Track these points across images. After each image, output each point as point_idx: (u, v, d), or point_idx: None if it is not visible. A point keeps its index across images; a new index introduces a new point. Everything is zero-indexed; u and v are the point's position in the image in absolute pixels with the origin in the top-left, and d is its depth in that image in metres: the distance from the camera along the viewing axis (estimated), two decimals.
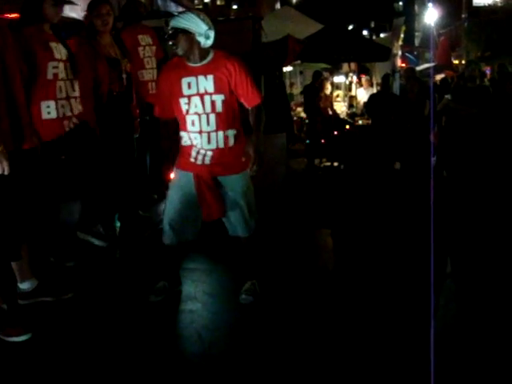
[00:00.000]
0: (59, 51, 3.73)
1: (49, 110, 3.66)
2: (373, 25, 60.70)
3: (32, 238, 3.22)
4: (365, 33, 42.03)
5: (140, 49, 5.11)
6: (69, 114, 3.78)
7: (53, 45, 3.68)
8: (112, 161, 4.21)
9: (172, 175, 3.61)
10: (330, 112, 10.48)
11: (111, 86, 4.37)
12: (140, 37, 5.15)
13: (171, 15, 8.85)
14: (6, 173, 2.75)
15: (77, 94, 3.85)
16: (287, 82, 13.24)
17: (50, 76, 3.65)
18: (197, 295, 3.73)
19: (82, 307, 3.41)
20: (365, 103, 11.08)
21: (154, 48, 5.29)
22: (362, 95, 12.23)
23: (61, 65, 3.72)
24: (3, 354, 2.86)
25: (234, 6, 61.17)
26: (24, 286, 3.31)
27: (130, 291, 3.71)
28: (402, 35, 13.21)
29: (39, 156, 3.17)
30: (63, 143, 3.72)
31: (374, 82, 12.91)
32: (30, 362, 2.81)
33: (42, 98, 3.63)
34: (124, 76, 4.49)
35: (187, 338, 3.17)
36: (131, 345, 3.01)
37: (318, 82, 10.04)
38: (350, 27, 38.66)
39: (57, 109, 3.70)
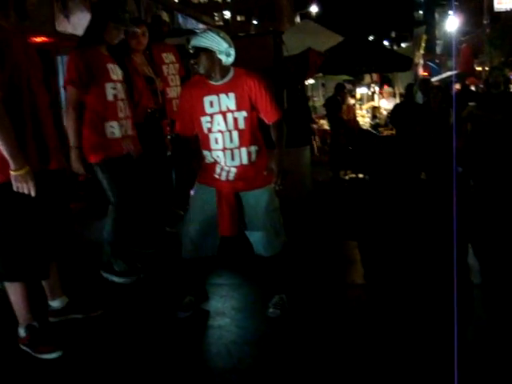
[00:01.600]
0: (116, 72, 3.86)
1: (112, 129, 3.82)
2: (393, 35, 60.66)
3: (61, 256, 3.25)
4: (386, 43, 42.02)
5: (164, 67, 5.19)
6: (129, 133, 3.95)
7: (110, 66, 3.82)
8: (147, 179, 4.30)
9: (193, 190, 3.63)
10: (355, 123, 10.46)
11: (147, 104, 4.51)
12: (164, 55, 5.24)
13: (192, 33, 9.06)
14: (32, 194, 2.81)
15: (130, 114, 4.02)
16: (309, 95, 13.25)
17: (110, 97, 3.79)
18: (225, 310, 3.73)
19: (112, 324, 3.43)
20: (388, 114, 11.04)
21: (177, 66, 5.37)
22: (385, 106, 12.19)
23: (118, 85, 3.86)
24: (35, 371, 2.89)
25: (254, 22, 61.76)
26: (54, 303, 3.35)
27: (159, 307, 3.73)
28: (423, 44, 13.14)
29: (67, 176, 3.23)
30: (123, 162, 3.89)
31: (397, 92, 12.86)
32: (61, 380, 2.83)
33: (105, 119, 3.78)
34: (159, 93, 4.63)
35: (216, 353, 3.16)
36: (161, 361, 3.02)
37: (340, 93, 10.04)
38: (371, 38, 38.72)
39: (120, 127, 3.86)
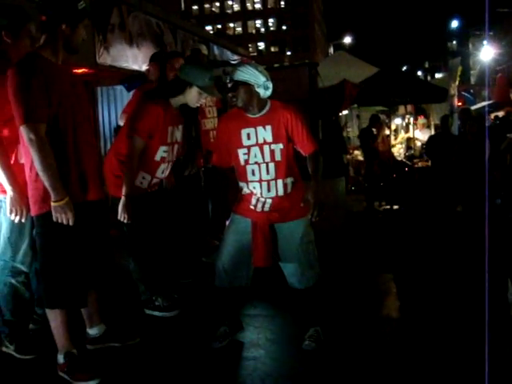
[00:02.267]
0: (175, 136, 3.91)
1: (142, 180, 3.88)
2: (427, 65, 60.52)
3: (100, 284, 3.29)
4: (419, 73, 41.91)
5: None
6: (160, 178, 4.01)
7: (170, 129, 3.84)
8: (182, 210, 4.34)
9: (229, 220, 3.65)
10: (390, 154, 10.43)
11: None
12: None
13: (228, 64, 9.18)
14: (71, 224, 2.87)
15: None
16: (343, 125, 13.27)
17: (157, 158, 3.85)
18: (260, 342, 3.71)
19: (148, 353, 3.45)
20: (422, 145, 10.98)
21: (214, 98, 5.45)
22: (419, 137, 12.12)
23: (170, 149, 3.90)
24: None
25: (288, 52, 62.51)
26: (92, 331, 3.39)
27: (195, 338, 3.73)
28: (458, 75, 13.07)
29: (107, 206, 3.28)
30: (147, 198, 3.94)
31: (432, 124, 12.78)
32: None
33: (142, 170, 3.83)
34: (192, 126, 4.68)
35: None
36: None
37: (375, 125, 10.05)
38: (404, 68, 38.70)
39: (150, 182, 3.92)
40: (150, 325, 3.92)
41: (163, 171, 3.95)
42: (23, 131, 2.78)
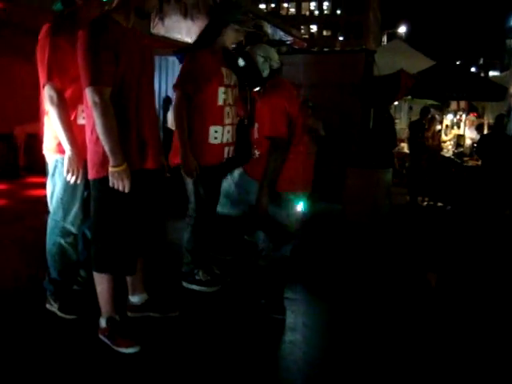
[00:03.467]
0: (229, 77, 3.90)
1: (216, 135, 3.86)
2: (481, 61, 58.83)
3: (149, 253, 3.31)
4: (473, 69, 40.79)
5: None
6: (231, 140, 3.99)
7: (224, 70, 3.85)
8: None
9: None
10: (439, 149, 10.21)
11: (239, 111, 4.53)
12: None
13: (283, 44, 9.06)
14: (126, 191, 2.87)
15: (236, 121, 4.05)
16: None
17: (220, 102, 3.84)
18: (296, 326, 3.70)
19: (187, 326, 3.46)
20: (473, 143, 10.69)
21: None
22: (468, 135, 11.83)
23: (229, 90, 3.90)
24: (110, 363, 2.95)
25: (340, 38, 61.63)
26: (134, 299, 3.42)
27: (235, 315, 3.74)
28: None
29: (163, 176, 3.28)
30: (222, 169, 3.94)
31: (485, 122, 12.43)
32: (132, 375, 2.88)
33: (211, 124, 3.82)
34: (248, 100, 4.63)
35: (285, 369, 3.14)
36: (230, 371, 3.01)
37: (425, 118, 9.81)
38: (458, 62, 37.71)
39: (223, 134, 3.89)
40: (190, 299, 3.92)
41: (231, 117, 3.93)
42: (88, 93, 2.78)
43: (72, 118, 3.18)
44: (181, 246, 4.17)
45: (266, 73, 3.59)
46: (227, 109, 3.90)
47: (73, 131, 3.15)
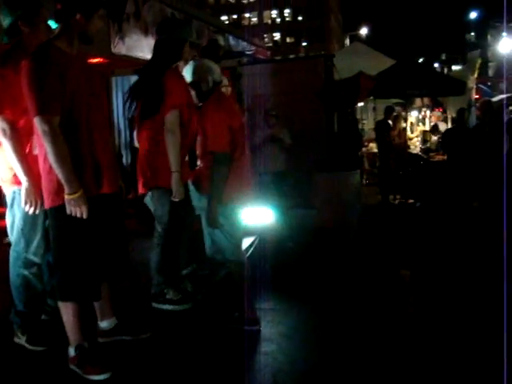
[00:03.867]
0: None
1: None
2: (444, 57, 59.83)
3: (113, 277, 3.27)
4: (436, 65, 41.41)
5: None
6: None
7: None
8: None
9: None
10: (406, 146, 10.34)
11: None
12: None
13: (244, 55, 9.10)
14: (84, 217, 2.84)
15: None
16: (358, 117, 13.18)
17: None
18: (272, 336, 3.68)
19: (158, 347, 3.42)
20: (439, 138, 10.85)
21: (229, 89, 5.41)
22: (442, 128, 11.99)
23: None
24: None
25: (304, 43, 62.11)
26: (104, 324, 3.37)
27: (205, 330, 3.71)
28: (477, 68, 12.87)
29: (121, 199, 3.26)
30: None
31: (449, 117, 12.63)
32: None
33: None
34: None
35: (262, 381, 3.12)
36: None
37: (390, 117, 9.94)
38: (421, 60, 38.31)
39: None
40: (161, 319, 3.89)
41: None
42: (37, 123, 2.76)
43: (27, 148, 3.15)
44: (145, 265, 4.13)
45: (206, 86, 3.63)
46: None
47: (28, 162, 3.11)
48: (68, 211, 2.83)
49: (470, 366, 3.19)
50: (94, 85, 3.03)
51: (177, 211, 3.88)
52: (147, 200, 3.96)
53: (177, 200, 3.77)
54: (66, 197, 2.80)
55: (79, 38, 2.94)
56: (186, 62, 3.97)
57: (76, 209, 2.82)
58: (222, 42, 5.83)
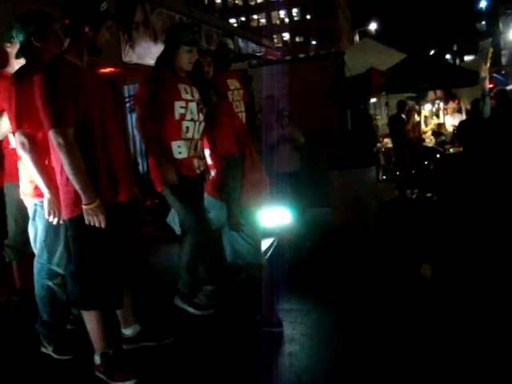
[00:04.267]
0: (189, 92, 3.77)
1: (180, 150, 3.68)
2: (455, 48, 59.32)
3: (135, 284, 3.30)
4: (448, 56, 41.04)
5: (229, 93, 5.22)
6: (200, 153, 3.84)
7: (182, 86, 3.71)
8: None
9: None
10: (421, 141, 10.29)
11: None
12: (229, 81, 5.27)
13: (254, 57, 9.11)
14: (103, 226, 2.89)
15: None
16: (371, 113, 13.12)
17: (177, 116, 3.66)
18: (295, 337, 3.70)
19: (182, 352, 3.45)
20: (454, 130, 10.77)
21: (241, 92, 5.41)
22: (450, 122, 11.90)
23: (190, 104, 3.74)
24: None
25: (313, 42, 61.98)
26: (127, 331, 3.41)
27: (230, 334, 3.73)
28: (489, 57, 12.74)
29: (138, 206, 3.30)
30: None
31: (463, 108, 12.51)
32: None
33: (171, 139, 3.67)
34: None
35: (287, 381, 3.13)
36: None
37: (403, 111, 9.89)
38: (432, 52, 38.00)
39: (189, 148, 3.74)
40: (183, 323, 3.91)
41: (192, 133, 3.74)
42: (52, 136, 2.81)
43: (47, 160, 3.19)
44: (165, 271, 4.14)
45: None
46: (186, 123, 3.71)
47: (48, 174, 3.16)
48: (86, 221, 2.87)
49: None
50: (106, 95, 3.08)
51: (187, 206, 3.73)
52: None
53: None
54: (84, 207, 2.85)
55: (88, 50, 2.98)
56: (189, 68, 3.94)
57: (94, 218, 2.86)
58: (231, 45, 5.82)
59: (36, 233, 3.36)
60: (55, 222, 3.19)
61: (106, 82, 3.18)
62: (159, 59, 3.85)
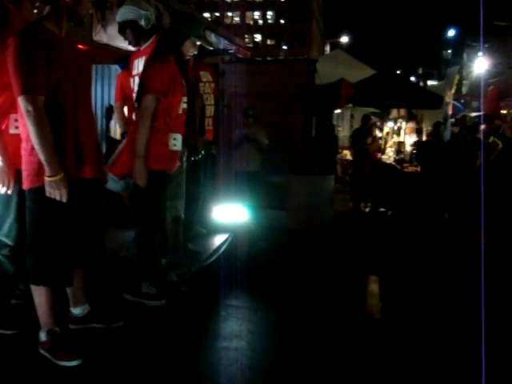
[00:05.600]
0: (185, 87, 3.91)
1: (175, 142, 3.85)
2: (420, 71, 60.75)
3: (89, 264, 3.24)
4: (412, 79, 42.03)
5: (201, 85, 5.21)
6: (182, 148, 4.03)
7: (182, 81, 3.85)
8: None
9: None
10: (379, 156, 10.49)
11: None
12: (202, 73, 5.28)
13: (227, 53, 9.08)
14: (64, 200, 2.81)
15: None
16: (334, 124, 13.30)
17: (180, 111, 3.84)
18: (241, 333, 3.71)
19: (130, 337, 3.39)
20: (412, 150, 11.04)
21: (213, 85, 5.41)
22: (408, 141, 12.21)
23: (185, 99, 3.91)
24: (52, 378, 2.86)
25: (284, 47, 62.30)
26: (76, 310, 3.33)
27: (178, 323, 3.71)
28: (455, 84, 13.12)
29: (102, 187, 3.24)
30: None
31: (424, 129, 12.84)
32: None
33: (170, 131, 3.80)
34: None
35: (230, 377, 3.13)
36: (173, 378, 3.00)
37: (367, 125, 10.07)
38: (398, 72, 38.80)
39: (181, 141, 3.93)
40: (133, 308, 3.87)
41: (184, 125, 3.95)
42: (21, 102, 2.72)
43: (3, 126, 3.09)
44: (121, 255, 4.10)
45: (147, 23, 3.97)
46: (184, 118, 3.91)
47: (4, 141, 3.05)
48: (47, 193, 2.79)
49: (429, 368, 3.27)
50: (82, 68, 3.00)
51: (163, 203, 3.84)
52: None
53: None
54: (47, 179, 2.76)
55: (69, 19, 2.92)
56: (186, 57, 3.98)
57: (56, 191, 2.78)
58: (209, 37, 5.80)
59: None
60: (3, 191, 3.08)
61: (84, 56, 3.10)
62: (165, 42, 3.86)
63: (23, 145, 2.87)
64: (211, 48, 5.91)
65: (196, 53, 4.61)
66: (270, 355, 3.43)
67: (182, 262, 4.40)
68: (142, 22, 3.88)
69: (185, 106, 3.87)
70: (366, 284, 5.20)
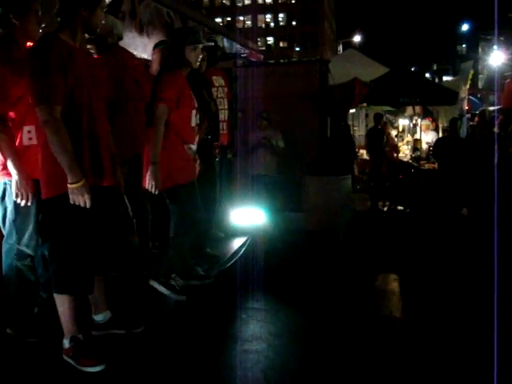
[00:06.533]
0: (195, 101, 3.96)
1: (190, 151, 3.92)
2: (435, 67, 60.32)
3: (108, 271, 3.28)
4: (427, 75, 41.75)
5: (214, 90, 5.24)
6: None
7: (191, 93, 3.91)
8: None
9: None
10: (395, 155, 10.43)
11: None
12: (214, 78, 5.30)
13: (238, 57, 9.11)
14: (88, 206, 2.85)
15: None
16: (349, 123, 13.25)
17: (193, 124, 3.91)
18: (262, 335, 3.73)
19: (152, 342, 3.43)
20: (429, 147, 10.95)
21: (225, 89, 5.43)
22: (424, 139, 12.11)
23: (196, 113, 3.96)
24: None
25: (297, 48, 62.24)
26: (98, 317, 3.37)
27: (201, 326, 3.75)
28: (470, 79, 12.98)
29: (120, 194, 3.28)
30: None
31: (440, 126, 12.73)
32: None
33: (185, 142, 3.88)
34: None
35: (253, 378, 3.15)
36: (197, 382, 3.01)
37: (380, 123, 10.02)
38: (412, 69, 38.57)
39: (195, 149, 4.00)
40: (154, 313, 3.90)
41: (197, 136, 4.03)
42: (39, 112, 2.77)
43: (17, 140, 3.15)
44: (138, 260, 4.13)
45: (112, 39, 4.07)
46: (197, 129, 3.98)
47: (18, 154, 3.10)
48: (71, 201, 2.82)
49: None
50: (97, 79, 3.05)
51: (192, 214, 3.88)
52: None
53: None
54: (70, 186, 2.80)
55: (83, 30, 2.97)
56: (196, 66, 4.02)
57: (79, 198, 2.82)
58: (220, 42, 5.82)
59: (5, 213, 3.28)
60: (23, 203, 3.13)
61: (98, 65, 3.15)
62: (167, 60, 3.97)
63: (43, 154, 2.91)
64: (220, 45, 5.90)
65: (205, 58, 4.64)
66: (291, 356, 3.45)
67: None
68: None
69: (197, 119, 3.92)
70: (385, 283, 5.18)
